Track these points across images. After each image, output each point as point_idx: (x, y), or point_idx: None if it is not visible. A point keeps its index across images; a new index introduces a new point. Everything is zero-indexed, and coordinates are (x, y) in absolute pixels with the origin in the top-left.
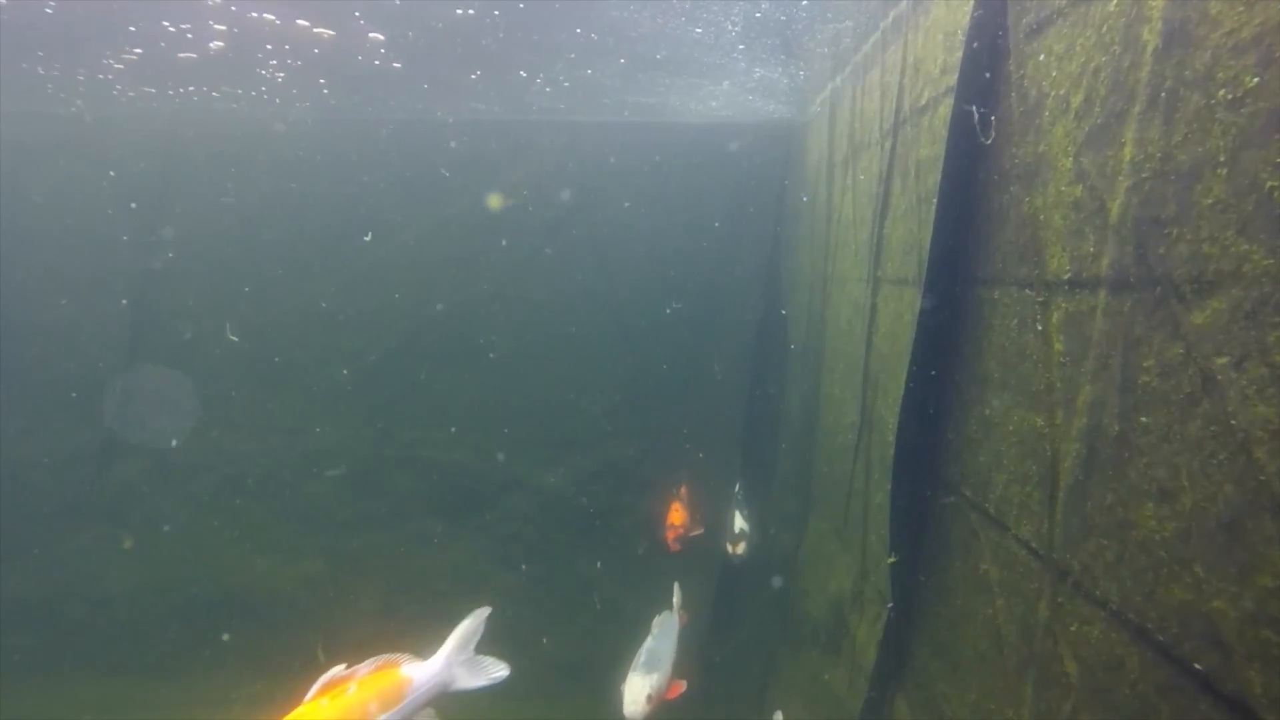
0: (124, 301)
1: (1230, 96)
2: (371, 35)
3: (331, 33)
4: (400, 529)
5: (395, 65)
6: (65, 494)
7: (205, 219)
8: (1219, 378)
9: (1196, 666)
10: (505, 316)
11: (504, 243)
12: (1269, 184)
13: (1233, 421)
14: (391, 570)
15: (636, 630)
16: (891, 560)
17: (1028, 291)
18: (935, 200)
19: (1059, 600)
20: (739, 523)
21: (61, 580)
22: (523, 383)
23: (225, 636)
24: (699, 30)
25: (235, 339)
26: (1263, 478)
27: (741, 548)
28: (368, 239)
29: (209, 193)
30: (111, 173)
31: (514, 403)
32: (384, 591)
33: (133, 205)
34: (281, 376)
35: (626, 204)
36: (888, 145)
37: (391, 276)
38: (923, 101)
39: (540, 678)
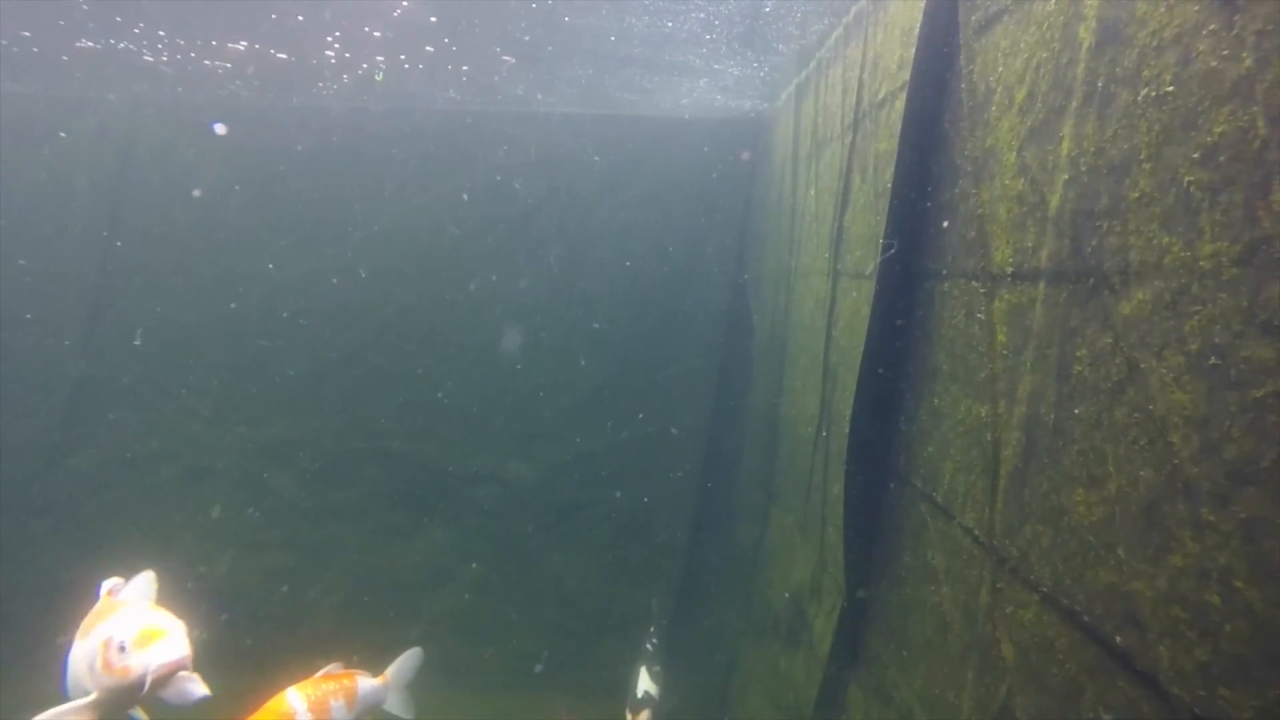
0: (82, 287)
1: (1154, 94)
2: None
3: (301, 18)
4: (366, 521)
5: (379, 58)
6: (17, 485)
7: (168, 205)
8: (1142, 366)
9: (1117, 645)
10: (473, 309)
11: (473, 235)
12: (1187, 179)
13: (1152, 408)
14: (357, 563)
15: (601, 624)
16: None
17: (974, 284)
18: (889, 194)
19: (998, 586)
20: (644, 683)
21: (13, 574)
22: (490, 375)
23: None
24: (669, 24)
25: (138, 343)
26: (1177, 462)
27: (645, 718)
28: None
29: (171, 179)
30: (64, 157)
31: (481, 395)
32: (349, 584)
33: (90, 186)
34: (246, 366)
35: (596, 197)
36: (848, 140)
37: (359, 267)
38: (881, 96)
39: (503, 670)
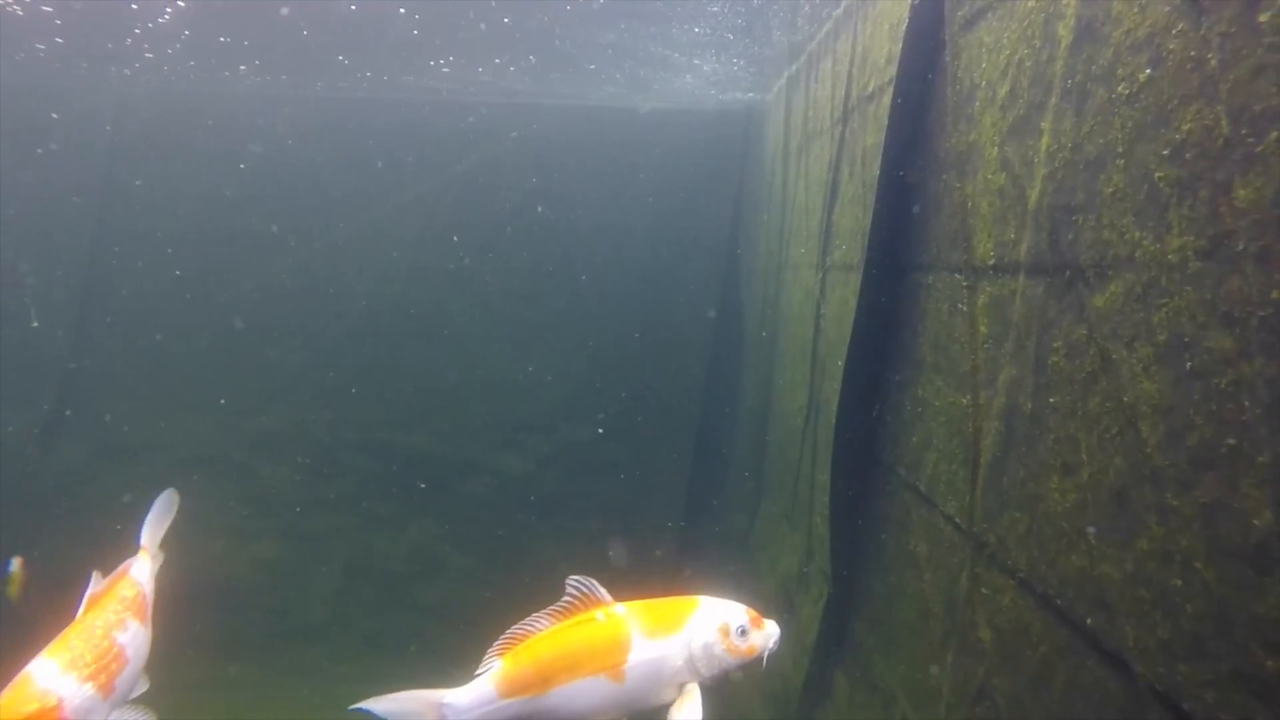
0: (70, 277)
1: (1128, 91)
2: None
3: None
4: (356, 511)
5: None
6: (6, 477)
7: (157, 193)
8: (1114, 357)
9: (1087, 626)
10: (464, 299)
11: (464, 227)
12: (1157, 174)
13: (1124, 398)
14: (347, 553)
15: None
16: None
17: (958, 276)
18: (876, 187)
19: (977, 572)
20: None
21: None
22: (481, 365)
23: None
24: (654, 18)
25: (36, 324)
26: (1146, 450)
27: None
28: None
29: (162, 170)
30: (53, 147)
31: (472, 385)
32: (339, 574)
33: (79, 175)
34: (236, 355)
35: (588, 188)
36: (838, 133)
37: (350, 256)
38: (869, 90)
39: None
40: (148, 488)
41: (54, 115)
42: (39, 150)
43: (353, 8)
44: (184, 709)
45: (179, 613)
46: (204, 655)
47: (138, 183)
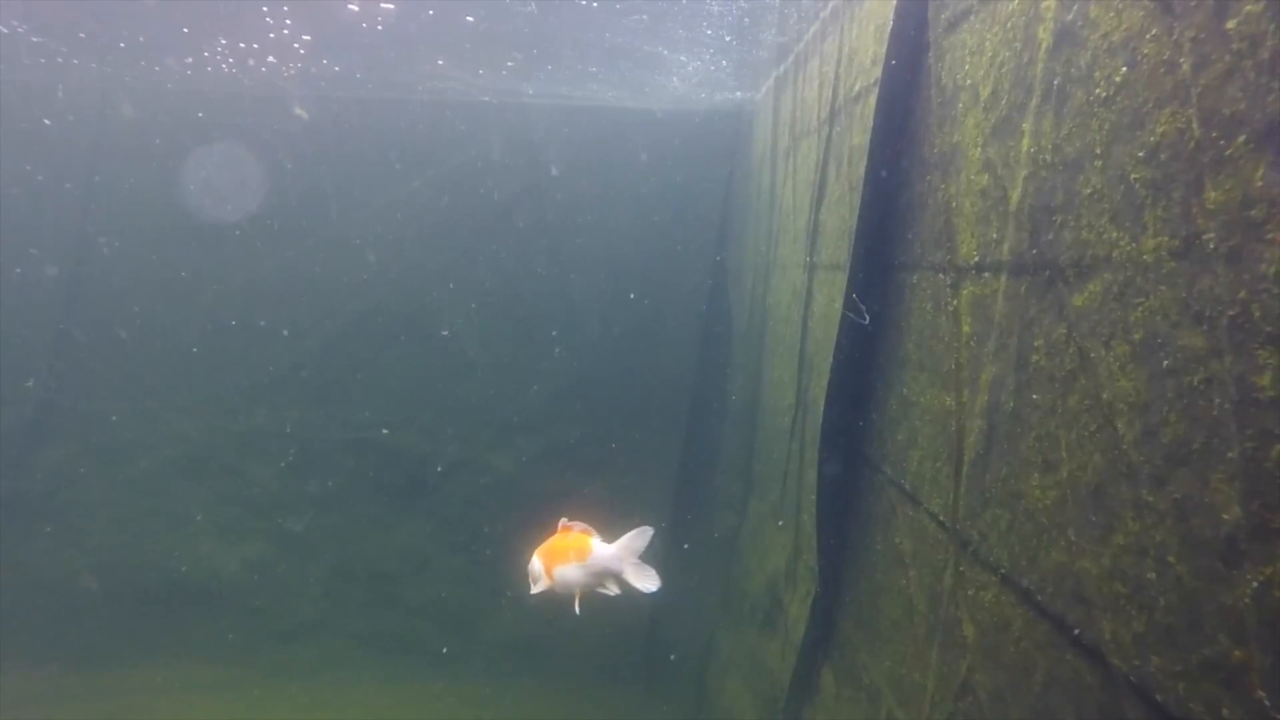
0: (54, 273)
1: (1105, 94)
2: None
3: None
4: (345, 511)
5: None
6: None
7: (145, 191)
8: (1093, 355)
9: (1066, 621)
10: (453, 298)
11: (453, 226)
12: (1133, 175)
13: (1102, 396)
14: (336, 553)
15: (584, 612)
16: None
17: (941, 275)
18: (862, 187)
19: (961, 569)
20: None
21: None
22: (470, 365)
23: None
24: (644, 18)
25: None
26: (1123, 447)
27: None
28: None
29: (148, 164)
30: (38, 142)
31: (461, 385)
32: (328, 574)
33: (64, 174)
34: (225, 355)
35: (577, 188)
36: (825, 133)
37: (339, 256)
38: (855, 91)
39: (484, 659)
40: (134, 489)
41: (38, 113)
42: (24, 146)
43: (351, 7)
44: (174, 711)
45: (166, 616)
46: (193, 657)
47: (124, 179)
